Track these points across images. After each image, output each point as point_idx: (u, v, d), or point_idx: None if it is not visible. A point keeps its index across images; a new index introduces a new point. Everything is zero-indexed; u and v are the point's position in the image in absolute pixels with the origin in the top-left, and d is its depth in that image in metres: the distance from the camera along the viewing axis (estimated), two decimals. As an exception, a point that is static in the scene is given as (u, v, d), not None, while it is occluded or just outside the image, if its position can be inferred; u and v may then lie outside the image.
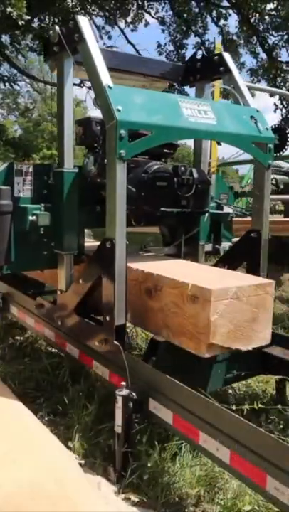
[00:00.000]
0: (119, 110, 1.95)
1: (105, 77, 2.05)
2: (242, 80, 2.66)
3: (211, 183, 2.73)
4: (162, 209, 2.51)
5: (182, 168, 2.57)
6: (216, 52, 2.85)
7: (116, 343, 2.03)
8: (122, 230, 2.01)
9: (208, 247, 2.85)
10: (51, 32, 2.39)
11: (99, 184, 2.28)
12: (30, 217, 2.33)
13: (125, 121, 1.95)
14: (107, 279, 2.06)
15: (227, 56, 2.70)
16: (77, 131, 2.50)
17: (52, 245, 2.42)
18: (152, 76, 2.86)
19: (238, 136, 2.35)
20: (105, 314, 2.09)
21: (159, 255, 2.72)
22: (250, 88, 2.88)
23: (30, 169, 2.42)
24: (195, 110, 2.21)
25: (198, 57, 2.85)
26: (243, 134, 2.36)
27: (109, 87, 2.01)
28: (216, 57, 2.74)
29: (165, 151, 2.63)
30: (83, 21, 2.20)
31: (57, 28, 2.32)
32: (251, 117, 2.41)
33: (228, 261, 2.61)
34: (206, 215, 2.78)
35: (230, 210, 2.94)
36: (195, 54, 2.89)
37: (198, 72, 2.83)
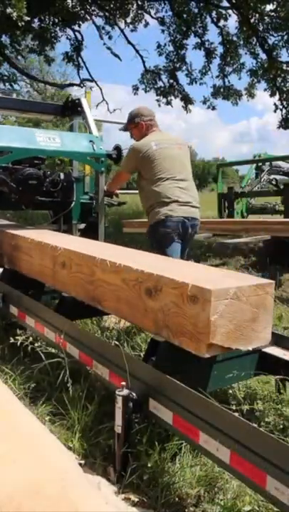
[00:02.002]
0: None
1: None
2: (91, 116, 4.06)
3: (74, 182, 3.97)
4: (40, 199, 3.78)
5: (48, 173, 3.91)
6: (87, 95, 4.90)
7: None
8: None
9: (82, 226, 4.04)
10: None
11: None
12: None
13: None
14: None
15: (83, 100, 4.14)
16: None
17: None
18: (40, 113, 4.87)
19: (76, 153, 3.72)
20: None
21: (38, 228, 4.03)
22: (98, 121, 4.54)
23: None
24: (46, 138, 3.47)
25: (70, 100, 4.41)
26: (80, 151, 3.70)
27: None
28: (77, 101, 4.20)
29: (36, 161, 3.90)
30: None
31: None
32: (90, 141, 3.74)
33: (84, 233, 3.97)
34: (74, 202, 3.96)
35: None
36: (68, 98, 4.44)
37: (69, 110, 4.37)
